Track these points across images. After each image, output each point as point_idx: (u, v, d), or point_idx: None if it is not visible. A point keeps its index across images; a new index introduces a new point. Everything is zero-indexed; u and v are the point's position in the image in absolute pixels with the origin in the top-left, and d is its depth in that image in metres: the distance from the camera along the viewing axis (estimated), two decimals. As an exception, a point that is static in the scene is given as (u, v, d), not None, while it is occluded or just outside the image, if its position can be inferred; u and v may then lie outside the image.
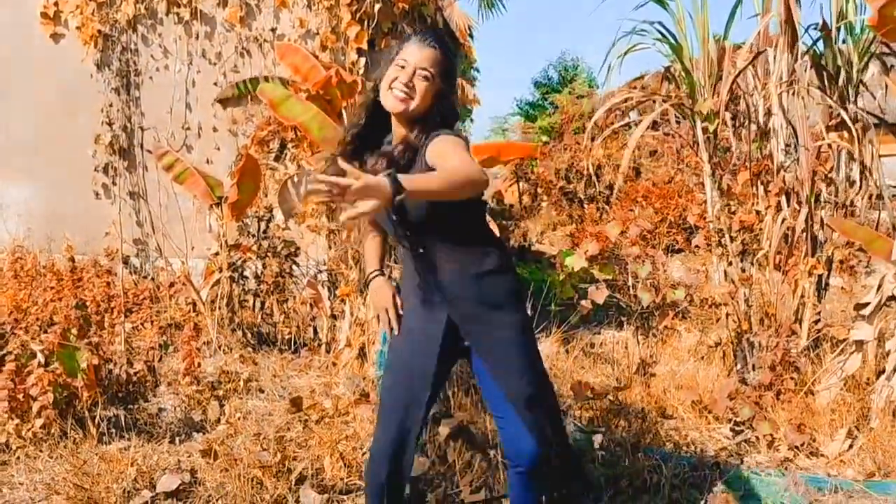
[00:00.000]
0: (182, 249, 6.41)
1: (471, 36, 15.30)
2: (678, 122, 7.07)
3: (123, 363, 4.42)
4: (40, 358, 3.75)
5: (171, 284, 6.07)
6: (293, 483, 3.13)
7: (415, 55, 2.34)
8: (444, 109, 2.41)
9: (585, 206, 13.82)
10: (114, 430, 3.78)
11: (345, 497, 3.17)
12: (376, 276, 2.63)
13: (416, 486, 3.07)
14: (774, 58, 5.66)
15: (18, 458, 3.53)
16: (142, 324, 5.80)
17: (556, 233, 15.78)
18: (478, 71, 11.26)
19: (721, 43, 5.96)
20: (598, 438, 3.15)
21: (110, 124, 7.09)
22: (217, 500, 3.01)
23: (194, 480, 3.18)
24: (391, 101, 2.35)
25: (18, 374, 3.73)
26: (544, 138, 17.73)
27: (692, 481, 3.16)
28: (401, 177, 1.92)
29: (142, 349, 5.04)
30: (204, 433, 3.91)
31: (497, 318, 2.40)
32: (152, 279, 6.61)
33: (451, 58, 2.44)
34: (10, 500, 3.21)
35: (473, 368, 2.50)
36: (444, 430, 3.24)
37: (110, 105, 7.11)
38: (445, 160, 2.19)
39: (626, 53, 6.47)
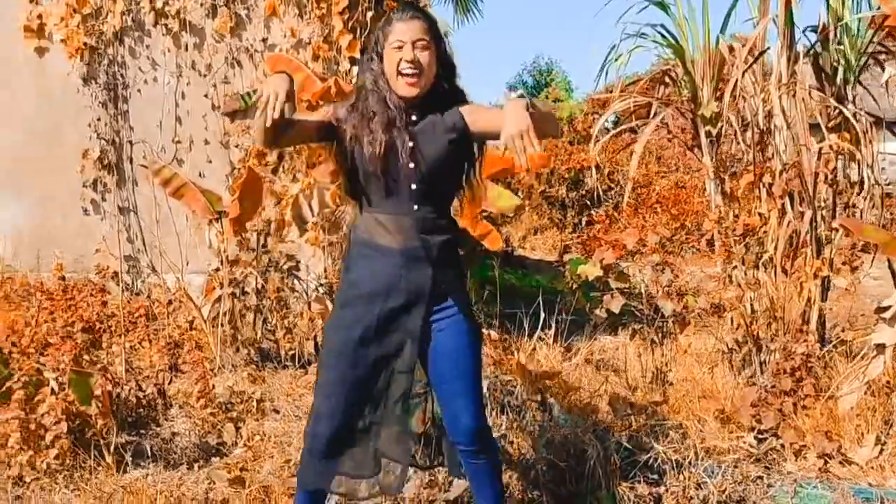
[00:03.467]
0: (177, 265, 6.26)
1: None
2: (681, 129, 7.07)
3: (132, 386, 4.28)
4: (53, 385, 3.61)
5: (170, 302, 5.92)
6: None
7: (406, 31, 2.39)
8: (446, 70, 2.50)
9: (568, 210, 13.84)
10: (128, 458, 3.65)
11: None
12: None
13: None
14: (774, 59, 5.68)
15: (33, 491, 3.39)
16: (139, 343, 5.64)
17: (538, 237, 15.77)
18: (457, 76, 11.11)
19: (719, 46, 5.96)
20: (641, 456, 3.09)
21: (99, 138, 6.92)
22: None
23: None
24: (404, 87, 2.41)
25: (28, 402, 3.58)
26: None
27: (737, 496, 3.12)
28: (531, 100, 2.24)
29: (143, 370, 4.90)
30: (221, 457, 3.79)
31: (461, 298, 2.54)
32: (148, 296, 6.45)
33: (434, 19, 2.50)
34: (30, 538, 3.07)
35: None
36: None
37: (98, 119, 6.94)
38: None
39: (620, 56, 6.47)
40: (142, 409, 4.27)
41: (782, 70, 5.55)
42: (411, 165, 2.41)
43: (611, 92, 7.32)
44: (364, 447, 2.53)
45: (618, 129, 6.81)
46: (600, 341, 6.05)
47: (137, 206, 7.02)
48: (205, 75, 6.84)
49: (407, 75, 2.38)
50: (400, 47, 2.37)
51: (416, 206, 2.44)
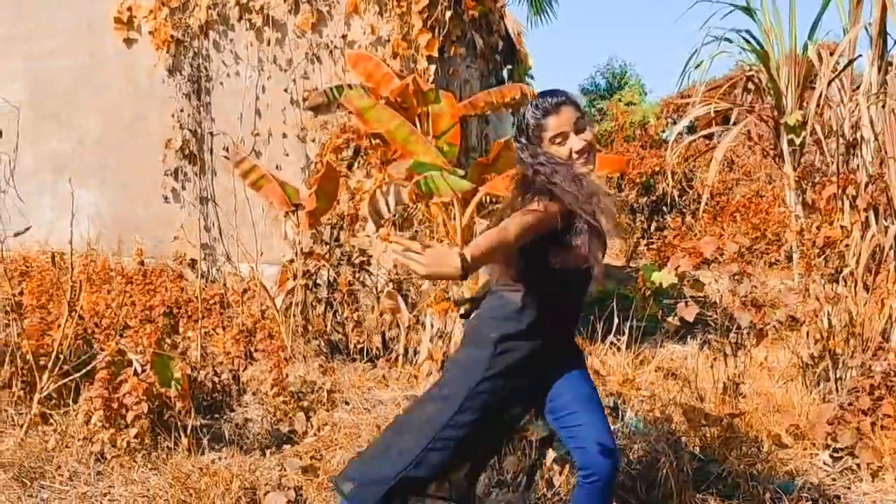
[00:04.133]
0: (252, 255, 6.40)
1: (520, 43, 15.24)
2: (759, 136, 6.91)
3: (208, 371, 4.40)
4: (136, 366, 3.73)
5: (245, 291, 6.06)
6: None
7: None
8: None
9: (637, 215, 13.65)
10: (205, 441, 3.75)
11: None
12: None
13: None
14: (864, 69, 5.53)
15: (114, 468, 3.51)
16: (213, 329, 5.79)
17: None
18: (532, 77, 11.17)
19: (807, 53, 5.83)
20: (714, 468, 3.04)
21: (181, 129, 7.12)
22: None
23: (298, 498, 3.13)
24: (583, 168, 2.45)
25: (111, 382, 3.71)
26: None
27: (813, 514, 3.05)
28: None
29: (217, 356, 5.02)
30: (292, 445, 3.87)
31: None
32: (223, 284, 6.61)
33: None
34: (111, 513, 3.19)
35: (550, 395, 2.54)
36: (550, 455, 3.15)
37: (181, 110, 7.15)
38: None
39: (703, 62, 6.37)
40: (217, 394, 4.38)
41: (872, 80, 5.39)
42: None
43: (687, 97, 7.22)
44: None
45: (695, 137, 6.68)
46: (669, 349, 5.96)
47: (215, 195, 7.19)
48: (285, 70, 6.98)
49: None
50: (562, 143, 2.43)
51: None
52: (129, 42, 7.28)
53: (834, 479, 3.69)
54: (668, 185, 8.94)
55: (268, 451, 3.80)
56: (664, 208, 11.94)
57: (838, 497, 3.21)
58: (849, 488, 3.59)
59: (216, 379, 4.38)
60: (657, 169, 12.14)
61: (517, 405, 2.56)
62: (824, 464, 3.91)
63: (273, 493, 3.09)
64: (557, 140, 2.42)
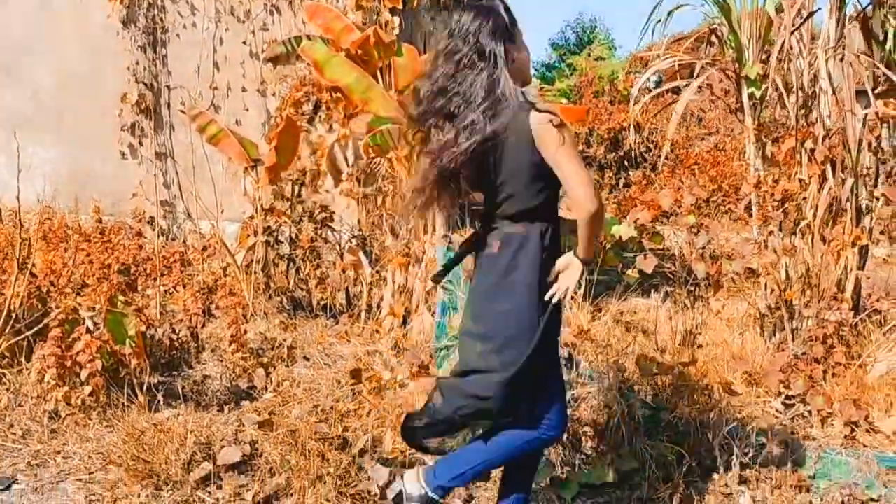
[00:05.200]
0: (212, 212, 6.32)
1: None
2: (725, 91, 6.91)
3: (166, 329, 4.36)
4: (89, 324, 3.68)
5: (205, 248, 5.99)
6: (355, 456, 3.08)
7: None
8: None
9: (605, 170, 13.66)
10: (160, 398, 3.72)
11: (406, 471, 3.12)
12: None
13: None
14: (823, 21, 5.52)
15: (68, 426, 3.48)
16: (174, 287, 5.73)
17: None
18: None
19: (766, 6, 5.79)
20: (665, 415, 3.09)
21: (137, 83, 6.96)
22: (281, 474, 2.96)
23: (254, 452, 3.13)
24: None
25: (64, 340, 3.66)
26: (563, 101, 17.46)
27: (762, 460, 3.11)
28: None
29: (177, 314, 4.98)
30: (251, 401, 3.86)
31: None
32: (183, 242, 6.53)
33: None
34: (65, 470, 3.17)
35: None
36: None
37: (136, 63, 6.98)
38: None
39: (670, 14, 6.32)
40: (175, 352, 4.35)
41: (830, 33, 5.38)
42: None
43: (655, 51, 7.17)
44: None
45: (660, 90, 6.67)
46: (631, 303, 6.01)
47: (174, 151, 7.07)
48: (243, 21, 6.83)
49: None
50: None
51: None
52: (81, -7, 7.07)
53: (784, 425, 3.76)
54: (633, 140, 8.92)
55: (226, 408, 3.78)
56: (628, 164, 11.97)
57: (786, 442, 3.27)
58: (798, 434, 3.66)
59: (174, 336, 4.34)
60: (625, 124, 12.13)
61: None
62: (776, 411, 4.00)
63: (228, 447, 3.08)
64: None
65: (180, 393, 3.82)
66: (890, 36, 5.31)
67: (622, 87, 15.84)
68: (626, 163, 12.06)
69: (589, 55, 21.25)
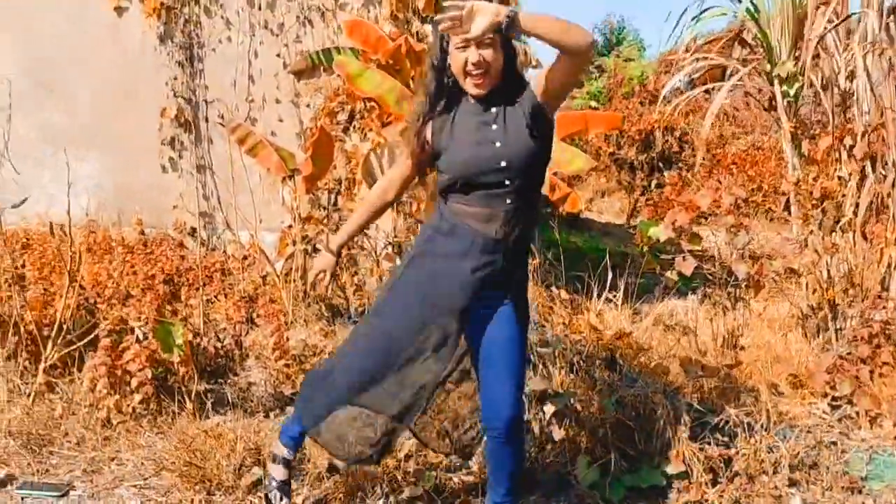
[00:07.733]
0: (251, 222, 6.40)
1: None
2: (759, 90, 6.86)
3: (211, 337, 4.43)
4: (138, 334, 3.76)
5: (245, 258, 6.08)
6: (401, 461, 3.12)
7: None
8: (510, 57, 2.44)
9: (637, 172, 13.59)
10: (209, 405, 3.79)
11: (452, 475, 3.15)
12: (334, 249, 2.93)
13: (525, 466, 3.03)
14: (859, 18, 5.47)
15: (120, 433, 3.56)
16: (215, 296, 5.82)
17: (605, 200, 15.55)
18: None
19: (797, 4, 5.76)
20: (711, 418, 3.08)
21: (175, 97, 7.08)
22: (329, 480, 3.00)
23: (303, 458, 3.18)
24: (473, 89, 2.42)
25: (113, 349, 3.75)
26: (592, 103, 17.43)
27: (810, 461, 3.08)
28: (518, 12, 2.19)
29: (220, 322, 5.06)
30: (295, 408, 3.91)
31: (522, 288, 2.59)
32: (223, 252, 6.62)
33: None
34: (119, 476, 3.24)
35: (469, 332, 2.55)
36: (549, 409, 3.19)
37: (175, 78, 7.10)
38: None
39: (696, 19, 6.31)
40: (220, 359, 4.42)
41: (868, 28, 5.33)
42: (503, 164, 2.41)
43: (684, 51, 7.15)
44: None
45: (692, 91, 6.64)
46: (670, 305, 5.98)
47: (213, 164, 7.17)
48: (277, 35, 6.92)
49: (474, 77, 2.39)
50: (465, 47, 2.34)
51: (508, 200, 2.43)
52: (119, 10, 7.19)
53: (832, 426, 3.73)
54: (664, 140, 8.89)
55: (272, 414, 3.85)
56: (661, 164, 11.89)
57: (835, 443, 3.25)
58: (847, 435, 3.63)
59: (218, 344, 4.42)
60: (656, 125, 12.07)
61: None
62: (823, 412, 3.96)
63: (277, 453, 3.12)
64: (459, 46, 2.36)
65: (228, 400, 3.88)
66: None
67: (652, 88, 15.77)
68: (659, 164, 11.98)
69: (618, 56, 21.18)
